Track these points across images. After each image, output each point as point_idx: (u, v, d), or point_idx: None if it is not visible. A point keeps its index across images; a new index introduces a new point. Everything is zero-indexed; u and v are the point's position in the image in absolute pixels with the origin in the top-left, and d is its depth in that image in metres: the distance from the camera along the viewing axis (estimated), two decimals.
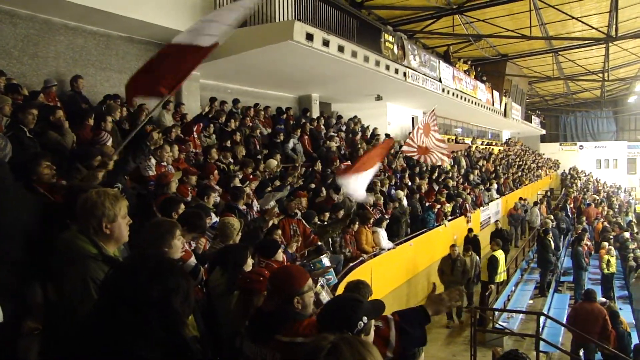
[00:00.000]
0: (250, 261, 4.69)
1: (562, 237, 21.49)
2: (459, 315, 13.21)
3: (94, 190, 3.04)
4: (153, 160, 8.19)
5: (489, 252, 14.72)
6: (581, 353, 10.70)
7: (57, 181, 5.31)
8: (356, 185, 9.77)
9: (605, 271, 16.68)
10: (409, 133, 17.90)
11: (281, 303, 3.04)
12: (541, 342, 10.58)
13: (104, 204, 2.92)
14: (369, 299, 4.83)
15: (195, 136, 11.23)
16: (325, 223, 9.89)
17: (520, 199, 24.25)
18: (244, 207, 8.21)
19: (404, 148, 16.03)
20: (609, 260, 16.69)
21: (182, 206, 5.86)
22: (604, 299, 12.56)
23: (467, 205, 17.50)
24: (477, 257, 14.22)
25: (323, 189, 11.19)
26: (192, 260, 4.66)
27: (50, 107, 8.20)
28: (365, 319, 2.66)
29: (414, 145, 15.57)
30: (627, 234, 22.01)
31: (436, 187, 17.38)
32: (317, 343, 1.54)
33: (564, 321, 11.44)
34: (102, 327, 1.77)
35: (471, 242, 15.03)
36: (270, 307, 3.09)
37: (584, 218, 25.12)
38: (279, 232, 7.71)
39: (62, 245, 2.95)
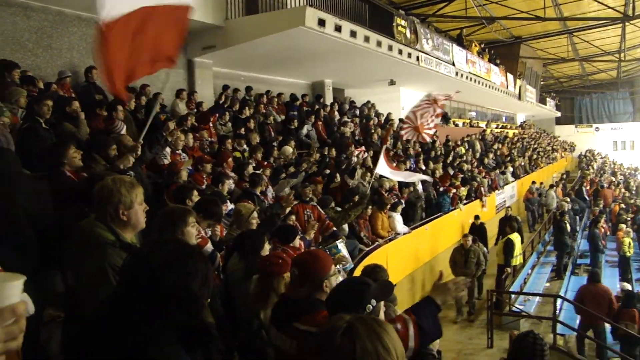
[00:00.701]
0: (267, 247, 4.72)
1: (578, 219, 21.33)
2: (470, 312, 12.54)
3: (109, 177, 3.08)
4: (168, 149, 8.24)
5: (502, 238, 14.66)
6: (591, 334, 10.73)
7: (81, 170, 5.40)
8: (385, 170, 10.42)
9: (627, 254, 16.54)
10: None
11: (310, 288, 3.03)
12: (558, 325, 10.60)
13: (120, 190, 2.95)
14: None
15: (211, 125, 11.27)
16: (346, 207, 9.89)
17: (534, 182, 23.94)
18: (260, 194, 8.24)
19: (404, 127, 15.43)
20: (630, 243, 16.55)
21: (196, 193, 5.84)
22: (627, 285, 12.41)
23: (482, 189, 17.43)
24: (485, 248, 13.64)
25: (337, 174, 11.18)
26: (209, 246, 4.69)
27: (66, 98, 8.28)
28: (373, 301, 2.66)
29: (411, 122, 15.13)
30: None
31: (451, 172, 17.27)
32: (333, 323, 1.55)
33: (575, 306, 11.38)
34: (121, 312, 1.79)
35: (477, 231, 14.48)
36: (299, 293, 3.06)
37: (601, 200, 24.89)
38: (293, 217, 7.73)
39: (80, 232, 2.99)
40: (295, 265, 3.21)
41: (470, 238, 12.89)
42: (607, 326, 10.49)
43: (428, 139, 15.10)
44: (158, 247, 1.99)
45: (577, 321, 11.25)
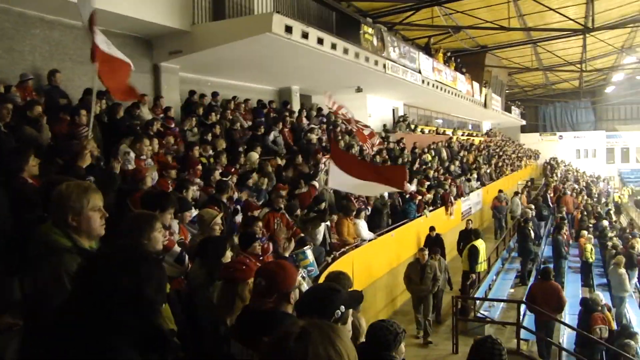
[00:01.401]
0: (229, 253, 4.69)
1: (543, 224, 21.65)
2: (425, 332, 11.43)
3: (64, 183, 3.02)
4: (132, 155, 8.13)
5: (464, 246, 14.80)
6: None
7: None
8: (339, 180, 9.35)
9: (590, 260, 16.88)
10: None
11: (277, 300, 3.00)
12: (522, 330, 10.76)
13: (70, 196, 2.88)
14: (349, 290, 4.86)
15: (177, 130, 11.20)
16: (307, 218, 9.88)
17: (501, 191, 23.79)
18: (226, 200, 8.21)
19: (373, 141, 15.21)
20: (591, 249, 16.91)
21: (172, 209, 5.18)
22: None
23: (451, 197, 17.60)
24: (445, 261, 12.80)
25: (302, 181, 11.18)
26: (176, 248, 4.64)
27: (29, 102, 8.14)
28: (342, 308, 2.67)
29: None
30: (605, 223, 22.32)
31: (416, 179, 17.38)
32: (287, 328, 1.55)
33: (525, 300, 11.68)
34: (75, 318, 1.77)
35: (433, 243, 13.48)
36: (266, 304, 3.02)
37: (564, 207, 25.39)
38: (260, 224, 7.69)
39: (38, 238, 2.92)
40: (262, 276, 3.15)
41: (426, 252, 11.89)
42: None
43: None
44: (113, 252, 1.96)
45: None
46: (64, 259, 2.71)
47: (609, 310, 11.98)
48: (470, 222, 16.62)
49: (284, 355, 1.47)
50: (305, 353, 1.44)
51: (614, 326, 11.29)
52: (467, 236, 15.18)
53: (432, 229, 14.32)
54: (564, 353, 10.55)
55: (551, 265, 16.99)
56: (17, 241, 3.96)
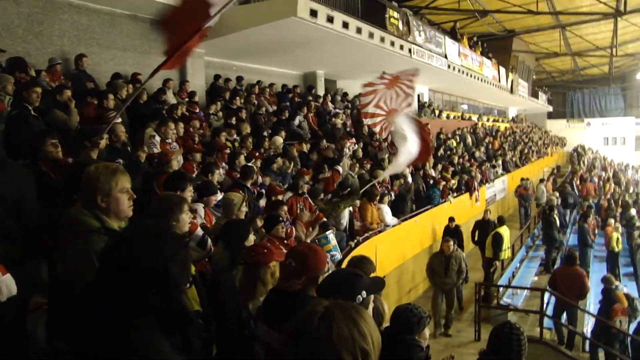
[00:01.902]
0: (252, 237, 4.73)
1: (569, 212, 21.37)
2: (446, 325, 11.32)
3: (93, 165, 3.08)
4: (157, 138, 8.23)
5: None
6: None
7: (63, 159, 5.40)
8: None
9: (616, 249, 16.65)
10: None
11: (306, 282, 3.00)
12: (545, 319, 10.70)
13: (98, 178, 2.93)
14: (371, 275, 4.88)
15: (202, 114, 11.29)
16: (335, 199, 9.91)
17: (523, 179, 23.04)
18: (250, 185, 8.28)
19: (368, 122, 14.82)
20: (618, 238, 16.67)
21: (190, 188, 5.49)
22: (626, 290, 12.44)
23: (475, 183, 17.47)
24: (462, 253, 11.82)
25: (325, 166, 11.20)
26: (199, 231, 4.70)
27: (58, 87, 8.26)
28: (364, 293, 2.68)
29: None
30: (633, 211, 21.96)
31: (441, 165, 17.30)
32: (311, 308, 1.57)
33: (548, 286, 11.54)
34: (101, 297, 1.81)
35: (452, 234, 12.91)
36: (294, 286, 3.02)
37: (589, 195, 25.03)
38: (285, 208, 7.74)
39: (67, 220, 2.99)
40: (292, 257, 3.16)
41: (452, 242, 11.26)
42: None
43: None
44: (138, 231, 2.00)
45: (564, 315, 11.40)
46: (93, 239, 2.77)
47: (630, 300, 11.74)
48: (488, 212, 15.49)
49: (308, 335, 1.49)
50: (329, 333, 1.46)
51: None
52: (484, 226, 14.66)
53: (451, 219, 13.74)
54: (587, 342, 10.51)
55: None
56: (46, 223, 4.04)
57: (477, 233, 14.84)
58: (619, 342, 10.35)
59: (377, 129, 11.32)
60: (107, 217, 2.94)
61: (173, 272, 1.84)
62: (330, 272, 5.73)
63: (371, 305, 2.83)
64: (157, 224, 2.68)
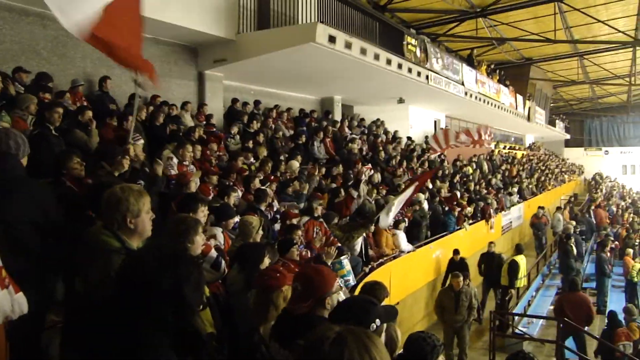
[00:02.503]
0: (267, 260, 4.75)
1: (585, 241, 21.14)
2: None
3: (118, 186, 3.14)
4: (175, 160, 8.33)
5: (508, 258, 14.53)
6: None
7: (85, 178, 5.49)
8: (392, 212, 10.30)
9: (635, 279, 16.42)
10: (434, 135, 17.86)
11: (312, 304, 3.04)
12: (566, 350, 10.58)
13: (128, 199, 3.01)
14: (384, 301, 4.88)
15: (219, 135, 11.43)
16: (348, 228, 9.93)
17: (540, 207, 22.71)
18: (266, 207, 8.35)
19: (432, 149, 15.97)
20: (639, 268, 16.45)
21: (203, 208, 5.36)
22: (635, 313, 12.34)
23: (491, 210, 17.38)
24: (473, 289, 11.17)
25: (341, 190, 11.24)
26: (213, 252, 4.73)
27: (80, 108, 8.42)
28: (378, 321, 2.68)
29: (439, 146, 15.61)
30: None
31: (457, 192, 17.23)
32: (322, 332, 1.58)
33: (555, 314, 11.70)
34: (117, 315, 1.84)
35: (457, 268, 12.16)
36: (302, 309, 3.06)
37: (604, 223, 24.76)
38: (299, 232, 7.76)
39: (88, 239, 3.05)
40: (298, 280, 3.22)
41: (462, 278, 10.73)
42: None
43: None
44: (153, 251, 2.03)
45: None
46: (113, 260, 2.81)
47: None
48: (492, 244, 14.58)
49: (320, 359, 1.50)
50: (340, 357, 1.48)
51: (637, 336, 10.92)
52: (489, 259, 14.14)
53: (456, 252, 13.12)
54: None
55: (594, 285, 16.69)
56: (64, 241, 4.10)
57: (483, 266, 14.39)
58: None
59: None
60: (130, 237, 3.01)
61: (186, 292, 1.87)
62: (342, 296, 5.76)
63: (384, 334, 2.83)
64: (172, 244, 2.72)
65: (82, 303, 2.94)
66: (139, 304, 1.82)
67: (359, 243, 9.71)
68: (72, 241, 3.41)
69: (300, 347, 2.80)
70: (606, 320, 11.51)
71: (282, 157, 12.07)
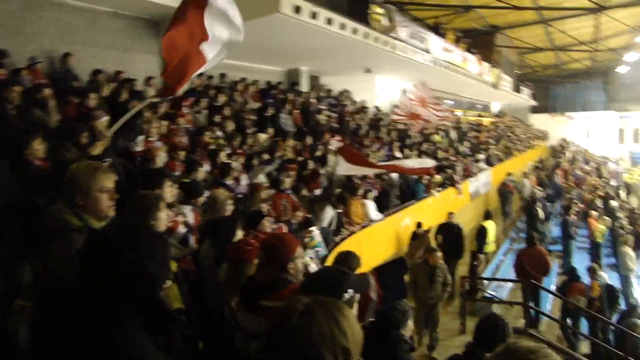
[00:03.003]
0: (240, 233, 4.74)
1: (552, 204, 21.54)
2: (431, 346, 10.41)
3: (76, 163, 3.06)
4: (141, 136, 8.19)
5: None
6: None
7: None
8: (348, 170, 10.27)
9: (599, 240, 16.86)
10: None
11: (275, 270, 3.08)
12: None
13: (78, 176, 2.93)
14: (357, 270, 4.91)
15: (186, 111, 11.20)
16: (314, 197, 9.96)
17: (508, 174, 22.56)
18: (233, 181, 8.28)
19: (393, 116, 15.91)
20: (604, 229, 16.90)
21: (170, 183, 5.39)
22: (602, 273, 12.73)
23: (454, 176, 17.53)
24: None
25: (309, 162, 11.22)
26: (181, 229, 4.69)
27: (37, 85, 8.21)
28: (351, 291, 2.68)
29: (404, 112, 15.54)
30: (615, 203, 22.22)
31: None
32: (290, 304, 1.56)
33: (515, 269, 12.25)
34: (82, 296, 1.80)
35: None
36: (265, 276, 3.11)
37: (574, 188, 25.29)
38: (264, 206, 7.74)
39: (48, 218, 2.97)
40: (262, 249, 3.27)
41: (439, 253, 10.30)
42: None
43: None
44: (115, 229, 1.99)
45: (548, 306, 11.63)
46: (74, 238, 2.76)
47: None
48: (452, 215, 13.77)
49: (288, 332, 1.49)
50: (309, 330, 1.45)
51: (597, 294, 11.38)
52: (448, 230, 13.24)
53: (418, 225, 12.80)
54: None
55: (560, 247, 17.09)
56: (27, 222, 4.02)
57: (440, 237, 13.29)
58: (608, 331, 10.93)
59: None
60: (89, 215, 2.93)
61: (151, 268, 1.83)
62: (314, 267, 5.78)
63: (356, 304, 2.85)
64: (134, 222, 2.67)
65: (46, 286, 2.88)
66: (103, 283, 1.78)
67: (327, 217, 9.73)
68: (37, 222, 3.34)
69: (265, 308, 2.85)
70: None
71: (249, 131, 11.97)
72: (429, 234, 9.58)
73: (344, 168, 10.62)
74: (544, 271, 11.67)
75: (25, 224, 4.02)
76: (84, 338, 1.74)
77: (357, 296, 2.82)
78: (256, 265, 3.59)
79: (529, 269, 11.44)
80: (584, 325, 11.21)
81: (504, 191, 21.30)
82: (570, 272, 12.23)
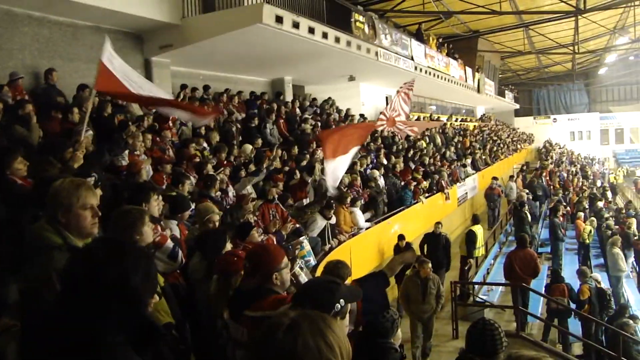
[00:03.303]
0: (229, 245, 4.69)
1: (539, 205, 21.64)
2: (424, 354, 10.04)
3: (59, 180, 2.99)
4: (126, 150, 8.12)
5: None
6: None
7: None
8: (335, 171, 9.86)
9: (587, 241, 16.96)
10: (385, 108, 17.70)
11: (259, 279, 3.09)
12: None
13: (60, 192, 2.85)
14: (348, 279, 4.88)
15: (171, 124, 11.14)
16: (304, 205, 9.91)
17: (493, 178, 22.32)
18: (219, 193, 8.22)
19: (378, 123, 15.81)
20: (590, 230, 16.99)
21: (156, 197, 5.24)
22: (595, 275, 12.84)
23: (442, 181, 17.56)
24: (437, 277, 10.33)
25: (297, 171, 11.18)
26: (169, 243, 4.62)
27: (19, 101, 8.12)
28: (342, 301, 2.64)
29: (385, 117, 15.46)
30: (600, 204, 22.37)
31: (412, 165, 17.36)
32: (276, 319, 1.52)
33: (504, 271, 12.33)
34: (65, 314, 1.75)
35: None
36: (250, 285, 3.12)
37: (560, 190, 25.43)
38: (251, 217, 7.68)
39: (30, 235, 2.90)
40: (247, 258, 3.30)
41: (429, 265, 9.90)
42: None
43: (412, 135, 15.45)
44: (98, 246, 1.95)
45: (539, 309, 11.66)
46: (54, 257, 2.68)
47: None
48: (439, 225, 13.12)
49: (273, 347, 1.45)
50: (294, 345, 1.42)
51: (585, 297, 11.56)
52: (433, 241, 12.69)
53: (401, 237, 12.06)
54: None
55: (548, 249, 17.17)
56: (11, 240, 3.94)
57: (426, 247, 12.82)
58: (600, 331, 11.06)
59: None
60: (71, 233, 2.84)
61: (135, 283, 1.79)
62: (304, 277, 5.73)
63: (348, 314, 2.81)
64: (116, 238, 2.62)
65: (27, 304, 2.80)
66: (87, 300, 1.73)
67: (317, 227, 9.65)
68: (19, 240, 3.27)
69: (247, 318, 2.83)
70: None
71: (234, 142, 11.92)
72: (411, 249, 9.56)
73: (331, 174, 10.29)
74: (533, 274, 11.76)
75: (9, 242, 3.95)
76: (70, 356, 1.69)
77: (349, 306, 2.78)
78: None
79: (519, 271, 11.55)
80: (576, 326, 11.26)
81: (491, 195, 21.36)
82: (553, 274, 12.45)
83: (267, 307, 2.84)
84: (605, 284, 13.39)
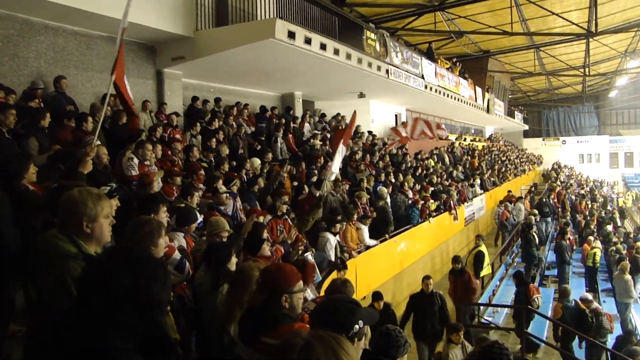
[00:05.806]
0: (234, 259, 4.69)
1: (546, 224, 21.47)
2: None
3: (76, 189, 3.00)
4: (136, 160, 8.14)
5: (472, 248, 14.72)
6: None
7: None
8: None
9: (597, 265, 16.82)
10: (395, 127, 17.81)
11: (267, 298, 3.05)
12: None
13: (85, 202, 2.86)
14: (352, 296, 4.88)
15: (178, 137, 11.18)
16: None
17: (501, 202, 22.53)
18: (227, 206, 8.25)
19: (389, 142, 15.98)
20: (595, 254, 16.84)
21: (164, 208, 5.31)
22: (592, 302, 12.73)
23: (452, 201, 17.54)
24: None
25: (305, 186, 11.19)
26: (177, 254, 4.63)
27: (39, 109, 8.19)
28: (361, 323, 2.65)
29: (398, 137, 15.63)
30: (609, 227, 22.22)
31: (419, 185, 17.33)
32: (290, 340, 1.53)
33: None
34: (79, 321, 1.77)
35: (383, 316, 8.20)
36: (257, 300, 3.10)
37: (567, 212, 25.29)
38: (264, 232, 7.68)
39: (42, 244, 2.91)
40: (261, 275, 3.26)
41: (431, 281, 9.76)
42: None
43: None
44: (116, 255, 1.96)
45: (545, 332, 11.57)
46: (69, 266, 2.69)
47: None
48: (429, 280, 9.99)
49: None
50: None
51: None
52: (425, 303, 9.73)
53: (376, 296, 9.16)
54: None
55: (555, 272, 17.05)
56: (21, 247, 3.96)
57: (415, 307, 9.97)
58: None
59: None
60: (87, 242, 2.86)
61: (154, 292, 1.81)
62: (309, 293, 5.72)
63: (365, 335, 2.81)
64: (133, 247, 2.64)
65: (41, 312, 2.81)
66: (101, 307, 1.75)
67: (332, 245, 9.63)
68: (31, 246, 3.29)
69: (264, 345, 2.80)
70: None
71: (243, 153, 11.97)
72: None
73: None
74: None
75: (18, 249, 3.97)
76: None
77: (367, 328, 2.78)
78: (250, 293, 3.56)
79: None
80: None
81: (501, 220, 21.22)
82: (518, 278, 12.70)
83: (287, 333, 2.83)
84: (612, 311, 13.28)
